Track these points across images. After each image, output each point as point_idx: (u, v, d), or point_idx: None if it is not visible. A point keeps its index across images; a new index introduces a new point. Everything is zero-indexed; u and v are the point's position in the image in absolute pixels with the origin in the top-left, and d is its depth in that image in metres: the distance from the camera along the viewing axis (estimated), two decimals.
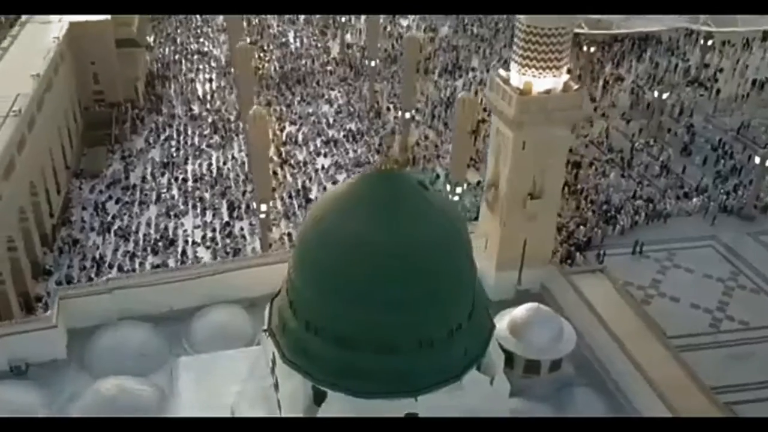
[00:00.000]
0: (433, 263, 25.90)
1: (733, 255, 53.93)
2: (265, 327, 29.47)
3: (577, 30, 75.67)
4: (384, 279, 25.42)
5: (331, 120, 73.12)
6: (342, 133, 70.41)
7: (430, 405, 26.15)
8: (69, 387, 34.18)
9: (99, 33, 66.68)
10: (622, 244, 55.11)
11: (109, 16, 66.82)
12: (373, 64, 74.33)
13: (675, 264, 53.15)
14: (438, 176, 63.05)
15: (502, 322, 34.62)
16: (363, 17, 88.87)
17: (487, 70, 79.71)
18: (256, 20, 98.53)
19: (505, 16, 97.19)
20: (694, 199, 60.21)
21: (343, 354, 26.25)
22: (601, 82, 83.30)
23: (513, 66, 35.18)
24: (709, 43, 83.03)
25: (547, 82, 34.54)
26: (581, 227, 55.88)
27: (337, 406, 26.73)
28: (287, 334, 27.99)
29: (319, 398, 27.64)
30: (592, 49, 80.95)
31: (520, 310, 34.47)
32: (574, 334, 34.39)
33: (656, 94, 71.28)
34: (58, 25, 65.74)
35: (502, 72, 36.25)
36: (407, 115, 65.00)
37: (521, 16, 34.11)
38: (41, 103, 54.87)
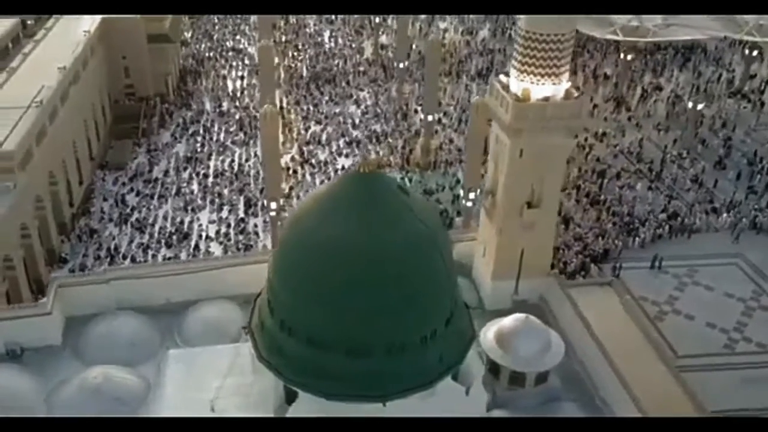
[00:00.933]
0: (407, 268, 25.54)
1: (759, 275, 51.68)
2: (245, 325, 29.80)
3: (612, 37, 74.22)
4: (356, 282, 25.19)
5: (356, 121, 73.11)
6: (366, 134, 70.36)
7: (401, 411, 25.88)
8: (61, 373, 34.87)
9: (130, 28, 68.08)
10: (642, 257, 53.44)
11: None
12: (401, 65, 74.07)
13: (695, 281, 51.34)
14: (458, 180, 62.48)
15: (490, 331, 34.14)
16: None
17: None
18: (294, 19, 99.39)
19: None
20: (724, 215, 58.08)
21: (314, 355, 26.15)
22: (638, 91, 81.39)
23: (512, 72, 34.53)
24: (755, 53, 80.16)
25: (547, 89, 33.75)
26: (600, 239, 54.59)
27: (307, 406, 26.70)
28: (264, 333, 28.06)
29: (290, 398, 27.74)
30: (629, 57, 78.97)
31: (509, 321, 33.75)
32: (563, 346, 33.48)
33: (690, 104, 69.13)
34: (90, 19, 66.91)
35: (502, 78, 35.62)
36: (429, 118, 64.52)
37: (521, 23, 33.49)
38: (66, 96, 56.10)
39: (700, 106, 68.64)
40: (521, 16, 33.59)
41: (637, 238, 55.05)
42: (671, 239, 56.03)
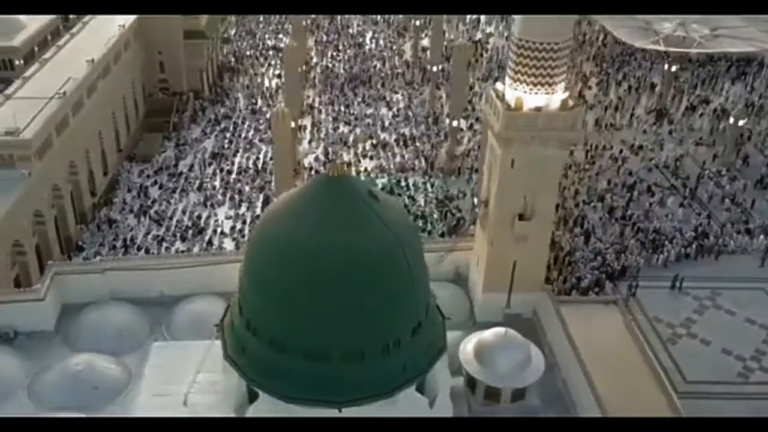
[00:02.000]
0: (369, 275, 25.16)
1: None
2: (217, 323, 29.94)
3: (656, 47, 71.84)
4: (316, 287, 25.02)
5: (386, 123, 72.65)
6: (394, 137, 69.89)
7: (358, 417, 25.57)
8: (49, 358, 35.43)
9: (167, 24, 69.15)
10: (663, 277, 51.50)
11: None
12: (435, 69, 73.32)
13: (716, 304, 49.16)
14: None
15: (470, 344, 33.36)
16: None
17: None
18: (339, 19, 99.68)
19: (595, 28, 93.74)
20: (761, 237, 55.38)
21: (275, 356, 26.15)
22: (683, 104, 78.54)
23: (507, 80, 33.60)
24: None
25: (540, 98, 32.72)
26: (621, 255, 52.79)
27: (266, 407, 26.72)
28: (233, 332, 28.19)
29: (252, 397, 27.79)
30: (674, 68, 76.22)
31: (488, 334, 32.76)
32: (543, 363, 32.31)
33: (732, 120, 66.32)
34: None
35: (498, 85, 34.70)
36: (455, 123, 63.67)
37: (514, 29, 32.61)
38: (93, 88, 57.37)
39: (741, 122, 65.71)
40: (516, 24, 32.69)
41: (660, 257, 53.05)
42: (697, 260, 53.77)
